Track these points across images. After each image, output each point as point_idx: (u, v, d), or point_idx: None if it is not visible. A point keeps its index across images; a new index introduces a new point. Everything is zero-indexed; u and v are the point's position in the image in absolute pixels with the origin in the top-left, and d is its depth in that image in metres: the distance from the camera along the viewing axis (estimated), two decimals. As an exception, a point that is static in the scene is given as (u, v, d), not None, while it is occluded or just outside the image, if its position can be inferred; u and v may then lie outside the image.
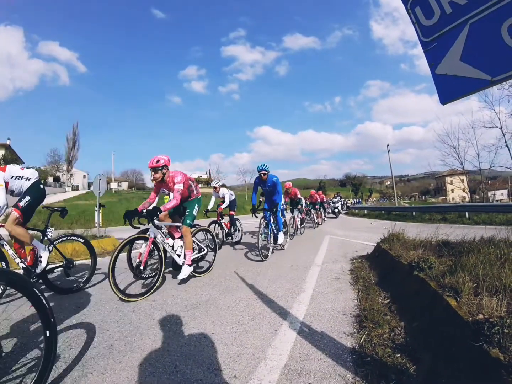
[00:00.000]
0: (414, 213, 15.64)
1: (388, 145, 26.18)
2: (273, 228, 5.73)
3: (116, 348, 2.05)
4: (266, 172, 5.63)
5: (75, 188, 50.04)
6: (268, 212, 5.64)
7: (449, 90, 1.23)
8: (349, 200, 35.85)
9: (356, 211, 25.66)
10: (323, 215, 14.53)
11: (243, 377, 1.65)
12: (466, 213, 12.01)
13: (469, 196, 20.85)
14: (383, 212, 19.80)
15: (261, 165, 5.64)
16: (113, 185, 51.54)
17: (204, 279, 3.96)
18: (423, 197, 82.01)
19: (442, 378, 1.49)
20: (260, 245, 5.05)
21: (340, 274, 3.94)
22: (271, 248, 5.46)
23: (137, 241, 3.59)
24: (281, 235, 5.91)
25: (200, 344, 2.08)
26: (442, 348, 1.71)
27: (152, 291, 3.25)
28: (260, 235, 5.23)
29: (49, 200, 30.06)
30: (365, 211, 22.76)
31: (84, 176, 57.51)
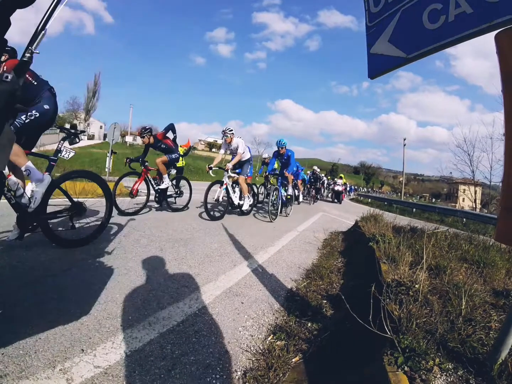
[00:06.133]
0: (414, 210, 15.72)
1: (404, 139, 25.47)
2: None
3: (102, 256, 2.51)
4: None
5: (91, 137, 50.77)
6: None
7: (376, 67, 1.48)
8: (340, 179, 18.15)
9: (361, 198, 25.82)
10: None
11: (192, 288, 2.08)
12: (464, 219, 12.04)
13: (475, 207, 20.43)
14: (385, 203, 19.91)
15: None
16: (128, 139, 51.64)
17: (193, 224, 4.40)
18: (433, 199, 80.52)
19: (348, 324, 1.75)
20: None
21: (313, 240, 4.32)
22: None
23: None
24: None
25: (169, 263, 2.52)
26: (359, 301, 1.91)
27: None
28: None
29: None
30: (369, 200, 22.98)
31: (101, 127, 57.95)
